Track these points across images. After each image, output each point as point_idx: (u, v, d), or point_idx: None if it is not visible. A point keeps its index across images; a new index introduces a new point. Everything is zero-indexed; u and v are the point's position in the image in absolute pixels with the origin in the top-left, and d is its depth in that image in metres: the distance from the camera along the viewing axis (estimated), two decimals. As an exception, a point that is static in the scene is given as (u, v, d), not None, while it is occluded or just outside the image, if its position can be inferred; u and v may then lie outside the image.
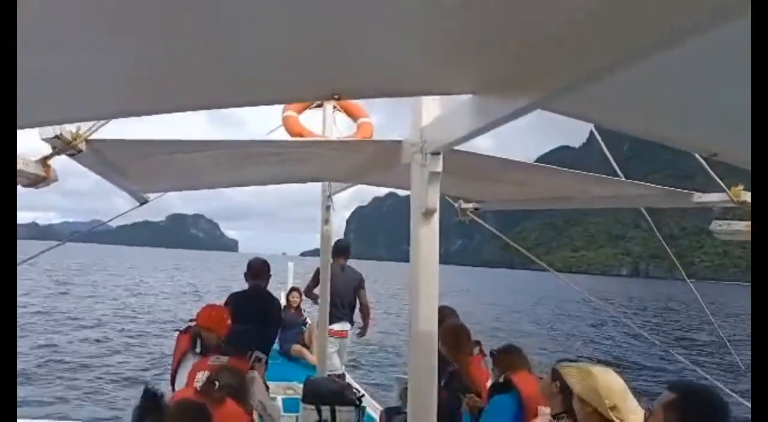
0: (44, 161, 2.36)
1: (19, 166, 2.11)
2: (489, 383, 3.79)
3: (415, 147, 2.48)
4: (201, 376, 3.46)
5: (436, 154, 2.39)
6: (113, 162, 2.84)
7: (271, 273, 5.07)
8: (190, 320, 3.95)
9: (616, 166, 3.42)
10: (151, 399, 1.88)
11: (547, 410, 3.14)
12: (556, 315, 34.38)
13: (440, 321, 2.81)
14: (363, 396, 4.48)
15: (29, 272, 36.86)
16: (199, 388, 2.84)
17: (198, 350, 3.70)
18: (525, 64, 1.61)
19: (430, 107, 2.43)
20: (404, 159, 2.73)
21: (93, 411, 9.83)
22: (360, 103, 5.13)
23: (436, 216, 2.50)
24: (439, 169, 2.39)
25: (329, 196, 5.14)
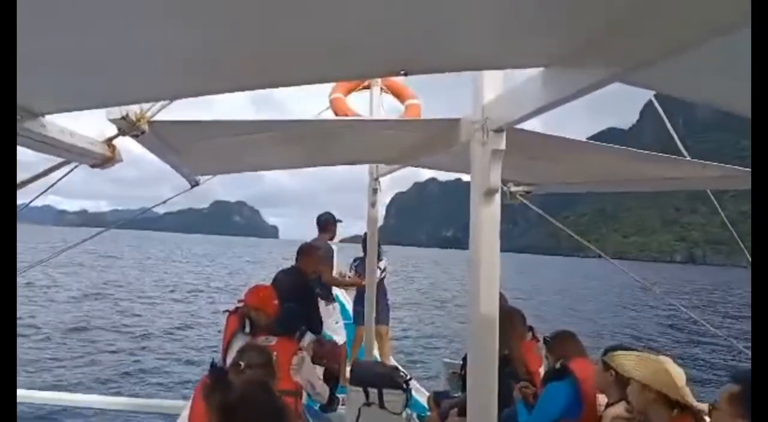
0: (109, 142, 2.40)
1: (87, 146, 2.15)
2: (542, 369, 3.73)
3: (477, 124, 2.41)
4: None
5: (499, 131, 2.33)
6: (172, 143, 2.87)
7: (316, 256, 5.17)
8: (239, 301, 4.00)
9: (681, 145, 3.28)
10: (217, 374, 1.89)
11: (605, 399, 3.08)
12: (606, 303, 33.78)
13: None
14: (410, 379, 4.47)
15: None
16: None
17: (247, 330, 3.75)
18: (603, 36, 1.53)
19: (493, 84, 2.35)
20: (462, 138, 2.67)
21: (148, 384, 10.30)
22: (407, 84, 5.07)
23: (498, 197, 2.44)
24: (502, 146, 2.32)
25: (376, 179, 5.11)
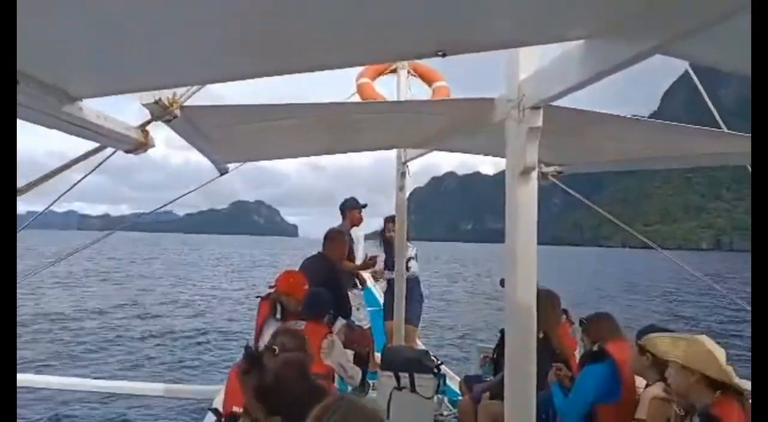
0: (143, 127, 2.40)
1: (123, 131, 2.15)
2: (577, 352, 3.68)
3: (512, 102, 2.36)
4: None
5: (535, 108, 2.27)
6: (203, 128, 2.87)
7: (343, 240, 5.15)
8: (270, 287, 4.02)
9: (719, 117, 3.17)
10: (252, 357, 1.90)
11: (643, 381, 3.02)
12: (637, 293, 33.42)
13: None
14: (441, 363, 4.45)
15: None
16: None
17: (278, 316, 3.77)
18: (642, 7, 1.48)
19: (528, 60, 2.30)
20: (496, 117, 2.62)
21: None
22: (435, 67, 5.01)
23: (535, 176, 2.40)
24: (539, 124, 2.27)
25: (405, 163, 5.07)
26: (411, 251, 5.86)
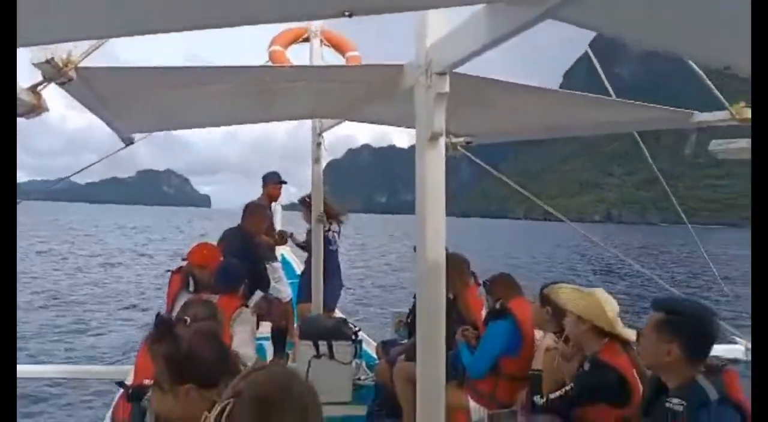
0: (35, 89, 2.25)
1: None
2: (483, 312, 3.88)
3: (420, 68, 2.42)
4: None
5: (442, 74, 2.34)
6: (103, 93, 2.73)
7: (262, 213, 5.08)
8: (182, 259, 3.93)
9: (611, 89, 3.40)
10: (164, 326, 1.86)
11: (541, 335, 3.25)
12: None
13: None
14: (359, 330, 4.55)
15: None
16: None
17: (191, 289, 3.70)
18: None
19: (436, 25, 2.35)
20: (406, 84, 2.66)
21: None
22: (347, 37, 4.99)
23: (443, 141, 2.47)
24: (446, 89, 2.34)
25: (320, 134, 5.05)
26: (335, 226, 5.72)
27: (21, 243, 34.77)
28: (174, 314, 3.50)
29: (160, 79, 2.87)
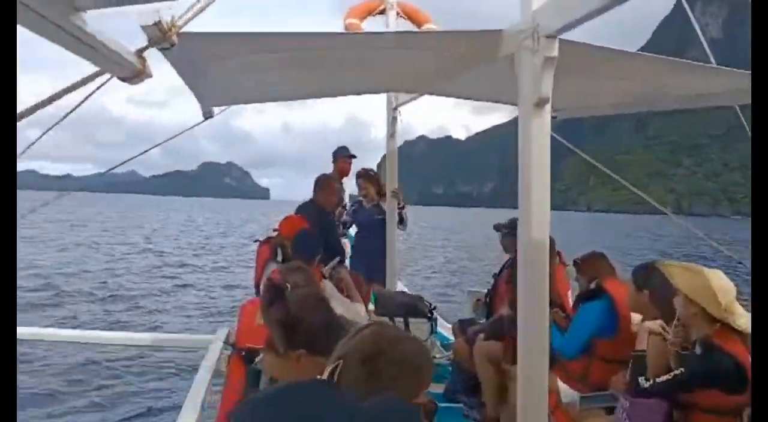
0: (140, 53, 2.25)
1: (123, 53, 2.00)
2: (570, 293, 3.74)
3: (525, 32, 2.29)
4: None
5: (551, 37, 2.21)
6: (198, 60, 2.73)
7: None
8: (273, 230, 3.96)
9: (711, 56, 3.15)
10: (275, 291, 1.85)
11: (639, 317, 3.08)
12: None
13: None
14: (435, 308, 4.49)
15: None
16: None
17: (279, 258, 3.71)
18: None
19: None
20: (504, 50, 2.53)
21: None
22: (424, 9, 4.88)
23: (548, 109, 2.35)
24: (555, 53, 2.22)
25: (395, 108, 4.96)
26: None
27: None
28: (263, 282, 3.54)
29: (250, 45, 2.85)
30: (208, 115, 4.08)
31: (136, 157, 4.42)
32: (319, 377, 1.22)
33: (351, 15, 4.66)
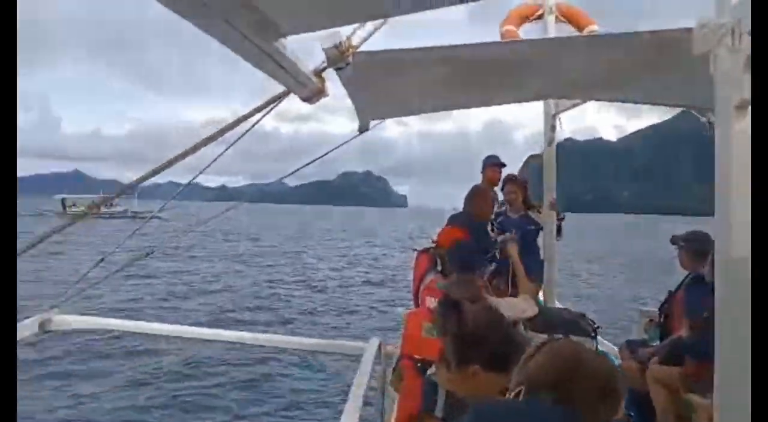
0: (319, 73, 2.37)
1: (308, 75, 2.12)
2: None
3: (724, 28, 2.07)
4: (429, 300, 3.44)
5: (748, 34, 1.99)
6: (366, 77, 2.83)
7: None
8: (432, 241, 3.99)
9: None
10: (451, 304, 1.83)
11: None
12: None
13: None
14: (599, 327, 4.21)
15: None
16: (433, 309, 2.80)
17: (439, 268, 3.72)
18: None
19: None
20: (697, 50, 2.31)
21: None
22: (585, 10, 4.64)
23: (749, 111, 2.10)
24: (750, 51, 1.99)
25: (554, 115, 4.76)
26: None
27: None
28: (420, 293, 3.58)
29: (413, 60, 2.91)
30: (364, 128, 4.22)
31: (300, 168, 4.71)
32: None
33: (507, 22, 4.57)
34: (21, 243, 2.18)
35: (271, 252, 30.76)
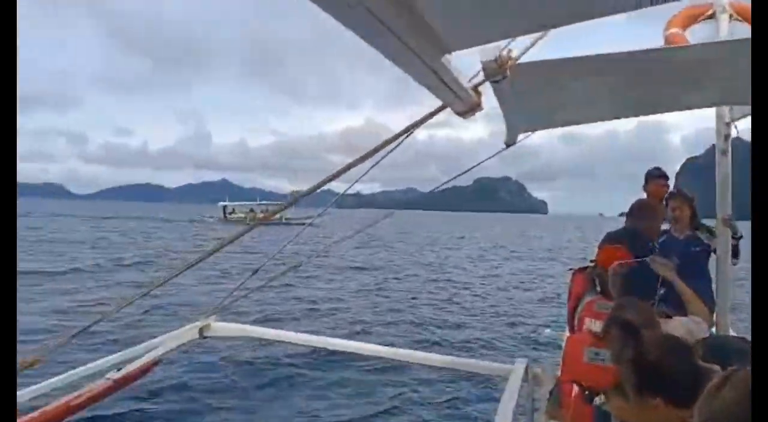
0: (476, 88, 2.36)
1: (467, 89, 2.12)
2: None
3: None
4: (589, 323, 3.22)
5: None
6: (523, 89, 2.77)
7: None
8: (591, 261, 3.79)
9: None
10: (631, 329, 1.72)
11: None
12: None
13: None
14: (782, 360, 3.69)
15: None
16: (596, 333, 2.61)
17: (598, 289, 3.51)
18: None
19: None
20: None
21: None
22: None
23: None
24: None
25: (728, 123, 4.30)
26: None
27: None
28: (578, 314, 3.40)
29: (573, 70, 2.80)
30: (511, 142, 4.12)
31: (454, 178, 4.74)
32: None
33: (673, 25, 4.23)
34: (191, 252, 2.40)
35: (408, 260, 31.19)
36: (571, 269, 3.92)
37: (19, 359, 3.10)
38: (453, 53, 1.81)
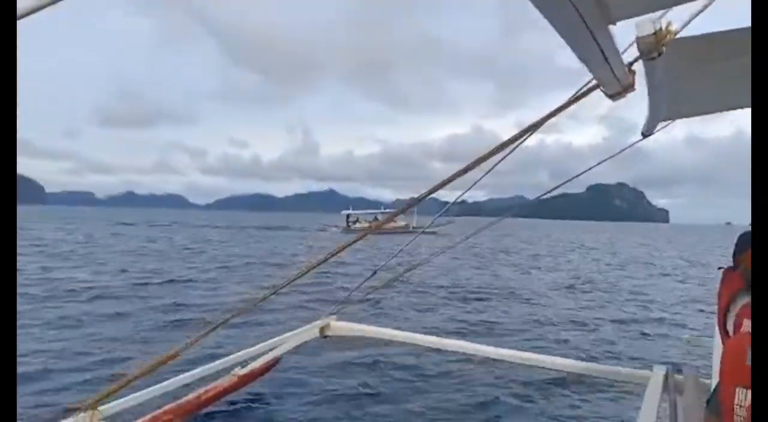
0: (630, 67, 2.15)
1: (618, 70, 1.92)
2: None
3: None
4: (749, 324, 2.88)
5: None
6: (678, 69, 2.49)
7: None
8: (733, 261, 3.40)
9: None
10: None
11: None
12: None
13: None
14: None
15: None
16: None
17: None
18: None
19: None
20: None
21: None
22: None
23: None
24: None
25: None
26: None
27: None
28: (730, 317, 3.04)
29: (741, 43, 2.47)
30: (649, 132, 3.76)
31: (563, 183, 4.44)
32: None
33: None
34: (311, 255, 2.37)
35: (527, 265, 30.38)
36: (720, 268, 3.52)
37: (163, 353, 3.28)
38: (617, 24, 1.64)
